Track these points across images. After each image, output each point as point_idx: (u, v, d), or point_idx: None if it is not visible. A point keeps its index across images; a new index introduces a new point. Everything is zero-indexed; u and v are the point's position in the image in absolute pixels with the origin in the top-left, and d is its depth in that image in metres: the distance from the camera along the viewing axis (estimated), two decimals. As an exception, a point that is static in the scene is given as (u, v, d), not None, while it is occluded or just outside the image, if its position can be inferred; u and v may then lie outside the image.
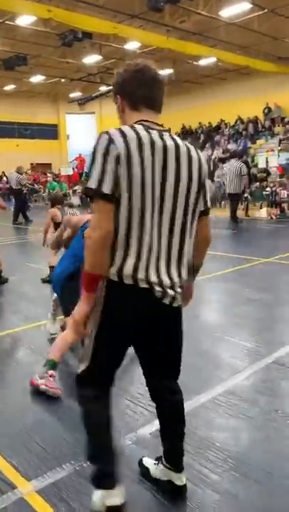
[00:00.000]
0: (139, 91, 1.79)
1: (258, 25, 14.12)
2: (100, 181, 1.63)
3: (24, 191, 14.10)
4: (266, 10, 13.08)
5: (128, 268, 1.71)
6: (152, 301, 1.77)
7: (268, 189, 13.81)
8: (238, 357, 3.61)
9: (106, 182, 1.63)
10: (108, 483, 1.87)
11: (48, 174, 22.05)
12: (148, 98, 1.79)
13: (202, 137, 21.84)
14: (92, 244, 1.67)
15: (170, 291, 1.79)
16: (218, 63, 17.67)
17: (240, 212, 12.84)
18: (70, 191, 17.93)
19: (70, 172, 22.32)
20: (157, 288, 1.76)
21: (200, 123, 22.87)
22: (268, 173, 15.34)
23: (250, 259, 7.30)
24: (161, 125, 1.80)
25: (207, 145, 20.57)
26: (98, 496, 1.87)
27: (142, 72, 1.79)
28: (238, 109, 21.01)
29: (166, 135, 1.75)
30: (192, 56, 16.50)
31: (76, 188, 18.14)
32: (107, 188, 1.63)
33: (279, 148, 16.88)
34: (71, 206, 7.25)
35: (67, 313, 3.38)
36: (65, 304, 3.42)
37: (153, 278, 1.74)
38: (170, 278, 1.79)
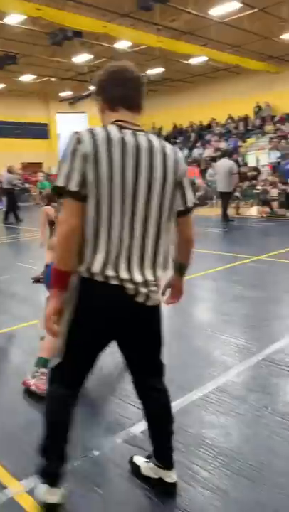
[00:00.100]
0: (116, 92, 1.81)
1: (248, 24, 14.17)
2: (68, 179, 1.68)
3: (15, 191, 14.03)
4: (256, 9, 13.13)
5: (97, 265, 1.72)
6: (124, 298, 1.77)
7: (259, 187, 13.87)
8: (229, 354, 3.63)
9: (73, 180, 1.67)
10: (51, 481, 1.91)
11: (40, 174, 21.95)
12: (125, 99, 1.80)
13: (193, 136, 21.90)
14: (57, 240, 1.72)
15: (143, 289, 1.79)
16: (209, 62, 17.70)
17: (231, 211, 12.88)
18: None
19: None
20: (129, 285, 1.76)
21: (191, 122, 22.90)
22: (259, 172, 15.40)
23: (240, 257, 7.33)
24: (138, 125, 1.81)
25: (198, 144, 20.61)
26: (41, 490, 1.91)
27: (119, 73, 1.82)
28: (228, 108, 21.08)
29: (140, 134, 1.76)
30: (183, 55, 16.51)
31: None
32: (74, 186, 1.67)
33: (269, 146, 16.96)
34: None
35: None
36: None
37: (124, 275, 1.75)
38: (143, 276, 1.79)
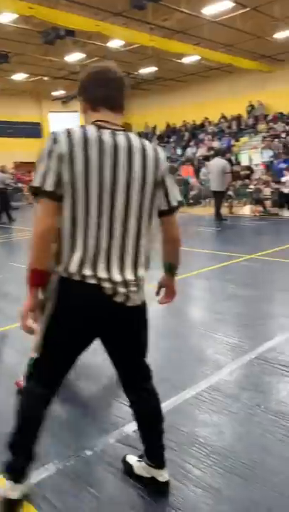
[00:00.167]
0: (97, 92, 1.81)
1: (240, 24, 14.19)
2: (43, 179, 1.69)
3: (8, 190, 13.97)
4: (248, 8, 13.16)
5: (74, 265, 1.73)
6: (101, 298, 1.77)
7: (252, 186, 13.91)
8: (222, 353, 3.64)
9: (49, 180, 1.68)
10: (15, 477, 1.90)
11: (33, 173, 21.84)
12: (106, 99, 1.81)
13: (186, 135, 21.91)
14: (32, 239, 1.73)
15: (122, 289, 1.78)
16: (202, 61, 17.72)
17: (224, 210, 12.91)
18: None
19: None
20: (107, 285, 1.75)
21: (184, 121, 22.92)
22: (252, 171, 15.44)
23: (234, 255, 7.35)
24: (119, 125, 1.81)
25: (191, 143, 20.64)
26: (5, 484, 1.90)
27: (101, 74, 1.82)
28: (221, 107, 21.12)
29: (119, 134, 1.76)
30: (176, 54, 16.51)
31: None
32: (49, 186, 1.69)
33: (262, 145, 17.01)
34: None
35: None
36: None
37: (102, 274, 1.75)
38: (123, 275, 1.78)
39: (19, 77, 20.60)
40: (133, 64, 18.52)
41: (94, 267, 1.74)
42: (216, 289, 5.68)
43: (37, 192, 1.72)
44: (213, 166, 12.15)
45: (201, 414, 2.76)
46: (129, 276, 1.80)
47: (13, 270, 7.01)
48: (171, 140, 22.36)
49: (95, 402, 3.01)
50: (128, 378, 2.06)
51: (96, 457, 2.38)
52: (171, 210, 1.91)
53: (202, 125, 22.16)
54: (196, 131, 21.92)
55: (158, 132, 24.06)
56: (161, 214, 1.91)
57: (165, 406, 2.79)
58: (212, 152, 17.26)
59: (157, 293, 2.16)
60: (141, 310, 1.92)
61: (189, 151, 20.24)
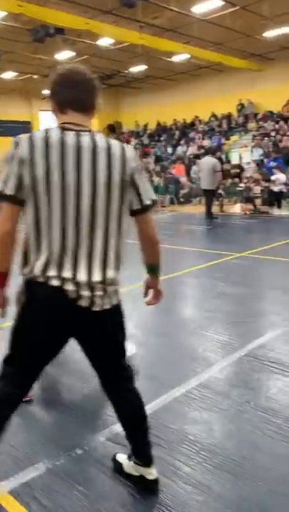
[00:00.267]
0: (65, 94, 1.81)
1: (230, 22, 14.20)
2: (5, 183, 1.72)
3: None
4: (238, 7, 13.18)
5: (38, 267, 1.75)
6: (64, 301, 1.76)
7: (242, 185, 13.96)
8: (212, 350, 3.65)
9: (9, 184, 1.71)
10: None
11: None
12: (74, 101, 1.80)
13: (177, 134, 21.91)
14: None
15: (86, 293, 1.76)
16: (192, 60, 17.71)
17: (215, 208, 12.95)
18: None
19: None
20: (70, 287, 1.75)
21: (175, 120, 22.92)
22: (242, 169, 15.49)
23: (224, 254, 7.37)
24: (86, 126, 1.81)
25: (182, 141, 20.65)
26: None
27: (68, 76, 1.82)
28: (212, 106, 21.12)
29: (84, 135, 1.76)
30: (165, 53, 16.49)
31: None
32: (9, 190, 1.71)
33: (252, 144, 17.07)
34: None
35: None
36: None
37: (66, 274, 1.75)
38: (90, 277, 1.77)
39: (8, 75, 20.45)
40: (123, 62, 18.48)
41: (59, 268, 1.74)
42: (206, 287, 5.69)
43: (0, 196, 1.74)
44: (203, 164, 12.18)
45: (190, 411, 2.77)
46: (97, 277, 1.78)
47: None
48: (162, 139, 22.35)
49: (84, 400, 3.00)
50: (107, 380, 2.05)
51: (86, 456, 2.38)
52: (144, 209, 1.88)
53: (192, 124, 22.18)
54: (186, 130, 21.92)
55: (148, 131, 24.03)
56: (135, 213, 1.88)
57: (155, 404, 2.82)
58: (202, 151, 17.28)
59: (145, 294, 2.14)
60: (112, 313, 1.88)
61: (180, 149, 20.23)
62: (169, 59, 17.70)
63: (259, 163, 15.61)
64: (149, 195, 1.88)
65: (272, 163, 14.03)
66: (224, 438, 2.51)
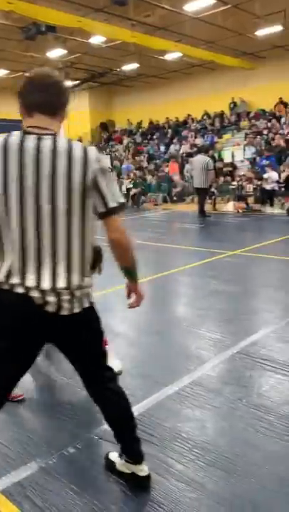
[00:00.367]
0: (32, 97, 1.80)
1: (222, 21, 14.22)
2: None
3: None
4: (229, 5, 13.19)
5: (2, 274, 1.74)
6: (31, 307, 1.75)
7: (234, 183, 13.98)
8: (204, 348, 3.66)
9: None
10: None
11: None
12: (41, 104, 1.79)
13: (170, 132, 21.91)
14: None
15: (51, 298, 1.75)
16: (184, 58, 17.71)
17: (208, 206, 12.97)
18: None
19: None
20: (35, 294, 1.74)
21: (167, 118, 22.92)
22: (235, 168, 15.53)
23: (217, 252, 7.38)
24: (51, 129, 1.79)
25: (175, 140, 20.65)
26: None
27: (36, 80, 1.81)
28: (204, 104, 21.15)
29: (45, 138, 1.74)
30: (157, 51, 16.47)
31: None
32: None
33: (245, 142, 17.11)
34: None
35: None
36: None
37: (29, 283, 1.74)
38: (54, 283, 1.75)
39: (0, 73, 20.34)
40: (115, 60, 18.43)
41: (22, 276, 1.74)
42: (199, 285, 5.70)
43: None
44: (196, 162, 12.19)
45: (183, 409, 2.77)
46: (62, 284, 1.76)
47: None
48: (155, 137, 22.34)
49: (76, 399, 2.99)
50: (89, 381, 2.04)
51: (79, 454, 2.38)
52: (108, 212, 1.81)
53: (185, 122, 22.19)
54: (179, 128, 21.93)
55: (141, 129, 24.00)
56: (100, 216, 1.82)
57: (148, 402, 2.83)
58: (195, 149, 17.30)
59: (128, 296, 2.10)
60: (83, 316, 1.86)
61: (172, 148, 20.23)
62: (161, 57, 17.68)
63: (252, 162, 15.66)
64: (115, 197, 1.81)
65: (265, 162, 14.06)
66: (217, 435, 2.51)
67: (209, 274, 6.09)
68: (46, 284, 1.74)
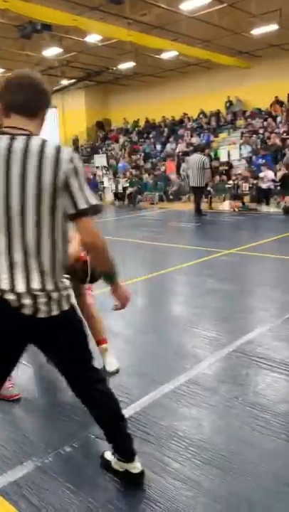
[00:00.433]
0: (10, 98, 1.79)
1: (217, 19, 14.23)
2: None
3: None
4: (225, 4, 13.20)
5: None
6: (8, 310, 1.74)
7: (231, 182, 14.01)
8: (201, 347, 3.66)
9: None
10: None
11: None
12: (16, 105, 1.78)
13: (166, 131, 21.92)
14: None
15: (27, 301, 1.74)
16: (180, 57, 17.71)
17: (204, 205, 12.99)
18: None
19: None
20: (10, 297, 1.73)
21: (164, 117, 22.92)
22: (231, 166, 15.55)
23: (213, 250, 7.39)
24: (26, 129, 1.77)
25: (171, 138, 20.65)
26: None
27: (11, 80, 1.81)
28: (200, 103, 21.15)
29: (18, 138, 1.73)
30: (154, 50, 16.47)
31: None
32: None
33: (241, 141, 17.14)
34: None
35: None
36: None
37: (3, 286, 1.73)
38: (28, 286, 1.74)
39: (-5, 71, 20.27)
40: (111, 59, 18.41)
41: None
42: (195, 284, 5.71)
43: None
44: (192, 161, 12.20)
45: (179, 407, 2.77)
46: (36, 286, 1.74)
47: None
48: (151, 136, 22.34)
49: (72, 397, 2.97)
50: (74, 383, 2.03)
51: (75, 453, 2.38)
52: (79, 214, 1.75)
53: (181, 121, 22.19)
54: (175, 127, 21.93)
55: (138, 128, 23.98)
56: (71, 218, 1.76)
57: (144, 400, 2.83)
58: (191, 148, 17.31)
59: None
60: (62, 319, 1.84)
61: (168, 147, 20.24)
62: (157, 56, 17.68)
63: (248, 161, 15.68)
64: (87, 199, 1.75)
65: (261, 161, 14.09)
66: (213, 433, 2.52)
67: (205, 273, 6.10)
68: (21, 286, 1.73)
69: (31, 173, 1.69)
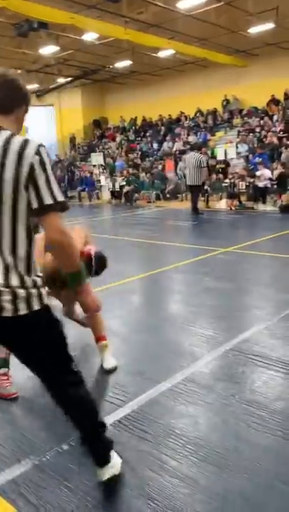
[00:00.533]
0: None
1: (214, 18, 14.23)
2: None
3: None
4: (222, 2, 13.20)
5: None
6: None
7: (227, 181, 14.03)
8: (197, 345, 3.68)
9: None
10: None
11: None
12: None
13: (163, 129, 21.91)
14: None
15: None
16: (177, 55, 17.70)
17: (201, 204, 13.00)
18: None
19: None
20: None
21: (160, 115, 22.91)
22: (227, 165, 15.56)
23: (210, 249, 7.41)
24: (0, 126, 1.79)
25: (168, 137, 20.65)
26: None
27: None
28: (197, 102, 21.16)
29: None
30: (151, 48, 16.45)
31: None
32: None
33: (237, 140, 17.15)
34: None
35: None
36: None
37: None
38: None
39: (-8, 70, 20.21)
40: (108, 57, 18.38)
41: None
42: (192, 282, 5.72)
43: None
44: (189, 160, 12.21)
45: (176, 405, 2.79)
46: (1, 280, 1.71)
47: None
48: (148, 134, 22.33)
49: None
50: (45, 383, 1.98)
51: (73, 451, 2.38)
52: (42, 209, 1.69)
53: (178, 119, 22.19)
54: (172, 126, 21.93)
55: (135, 126, 23.97)
56: (35, 213, 1.71)
57: (141, 399, 2.84)
58: (188, 146, 17.32)
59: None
60: (31, 319, 1.78)
61: (165, 145, 20.24)
62: (154, 54, 17.66)
63: (244, 159, 15.69)
64: (52, 194, 1.70)
65: (257, 159, 14.11)
66: (210, 431, 2.53)
67: (202, 271, 6.12)
68: None
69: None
